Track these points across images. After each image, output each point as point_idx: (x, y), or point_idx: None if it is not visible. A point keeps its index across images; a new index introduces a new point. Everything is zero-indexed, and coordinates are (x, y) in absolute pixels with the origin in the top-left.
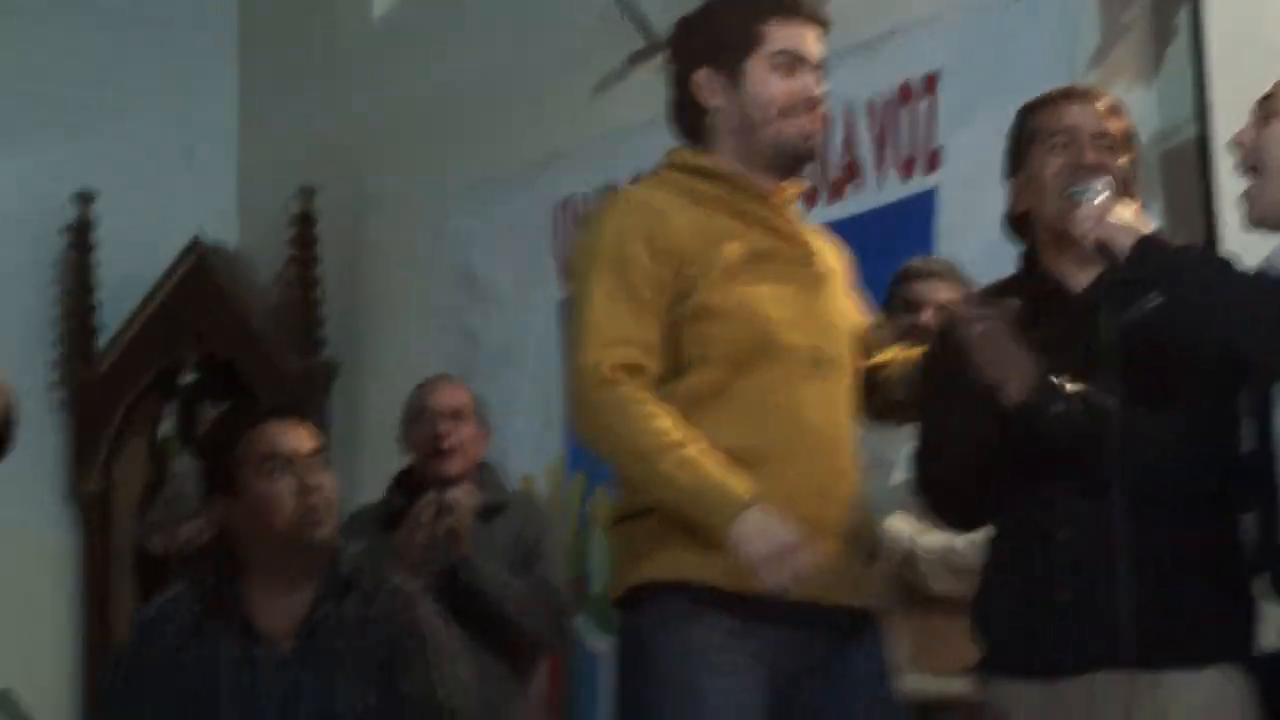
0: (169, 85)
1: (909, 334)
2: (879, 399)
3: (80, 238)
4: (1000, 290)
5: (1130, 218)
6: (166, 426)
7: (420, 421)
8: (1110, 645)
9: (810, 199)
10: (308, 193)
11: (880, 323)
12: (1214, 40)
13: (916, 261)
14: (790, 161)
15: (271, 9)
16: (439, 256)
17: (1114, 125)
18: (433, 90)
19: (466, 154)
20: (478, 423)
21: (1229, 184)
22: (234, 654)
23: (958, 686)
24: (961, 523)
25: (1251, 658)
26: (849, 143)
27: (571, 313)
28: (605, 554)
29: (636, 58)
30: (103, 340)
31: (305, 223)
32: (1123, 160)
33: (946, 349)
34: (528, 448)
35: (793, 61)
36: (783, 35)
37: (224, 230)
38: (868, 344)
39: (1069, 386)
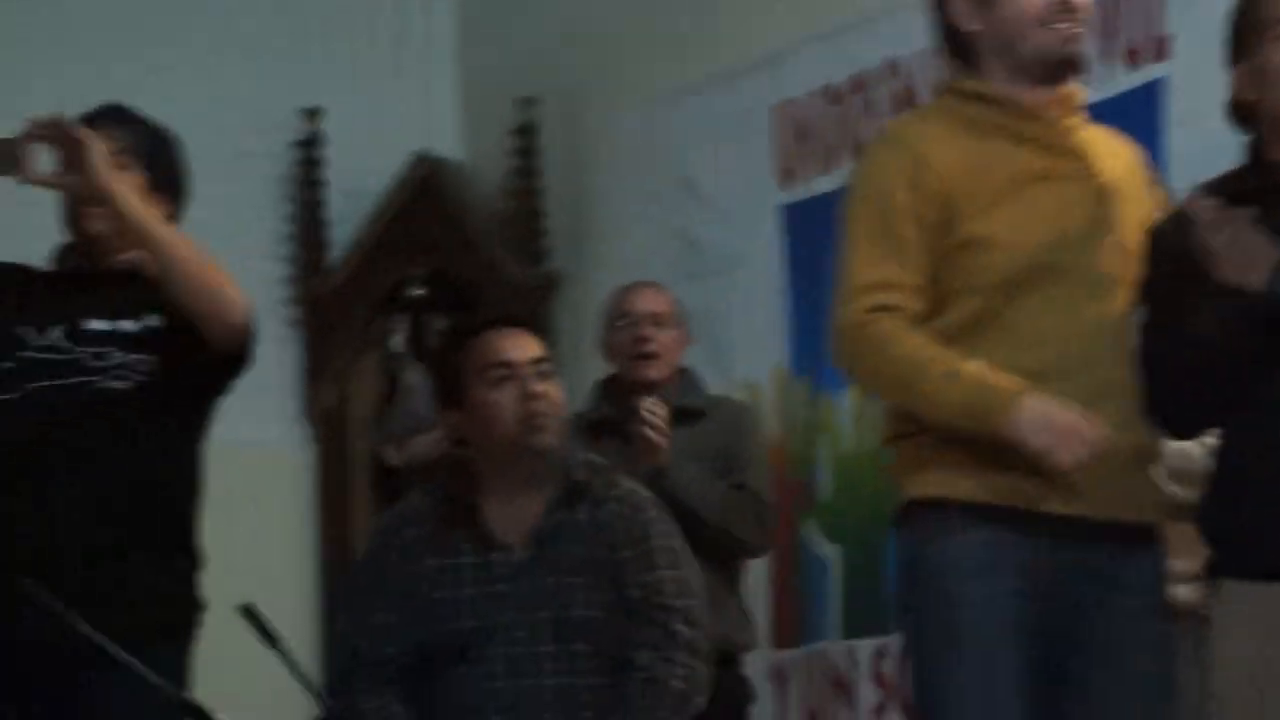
0: None
1: None
2: None
3: (308, 154)
4: (1225, 183)
5: None
6: (397, 340)
7: (622, 326)
8: None
9: None
10: (529, 103)
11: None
12: None
13: None
14: (1057, 70)
15: None
16: (659, 163)
17: None
18: None
19: (685, 56)
20: (678, 328)
21: None
22: (471, 560)
23: (1183, 594)
24: (1187, 427)
25: None
26: None
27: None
28: (830, 461)
29: None
30: (333, 257)
31: (527, 133)
32: None
33: (1175, 248)
34: (751, 353)
35: None
36: None
37: (447, 143)
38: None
39: None
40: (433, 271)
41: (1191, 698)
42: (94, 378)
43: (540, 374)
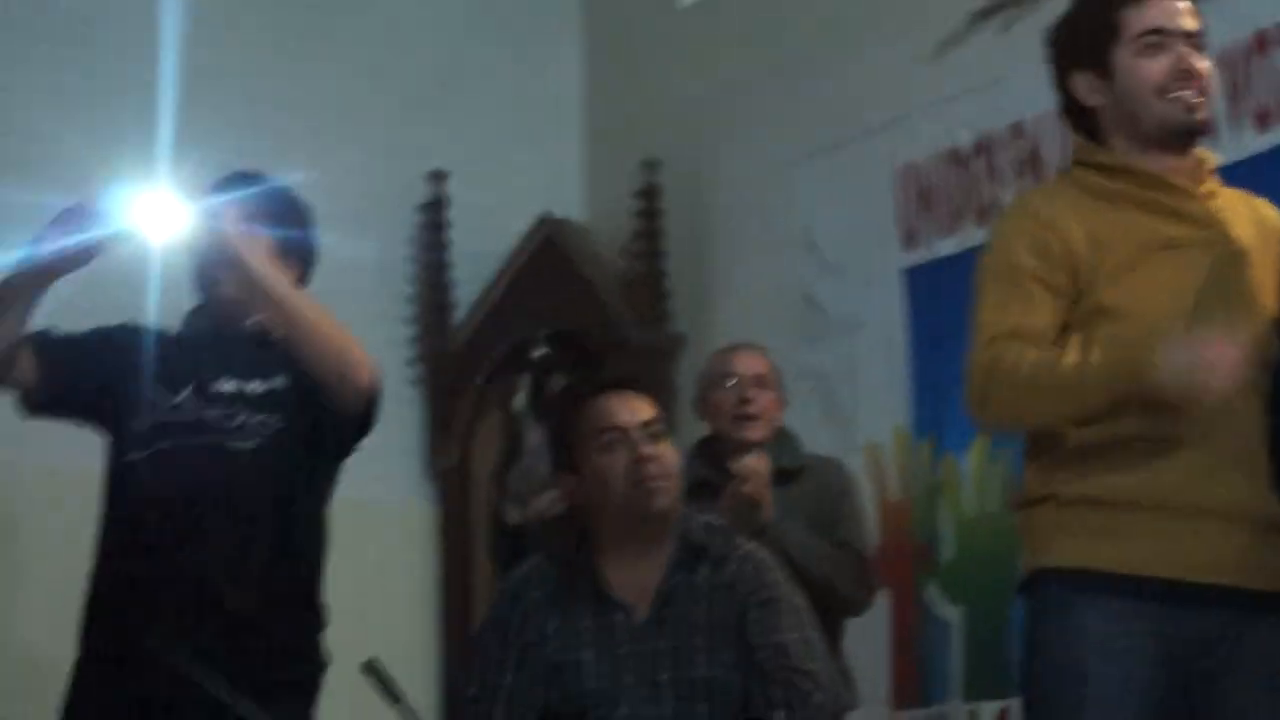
0: (515, 61)
1: None
2: None
3: (434, 216)
4: None
5: None
6: (519, 399)
7: (722, 387)
8: None
9: None
10: (652, 165)
11: None
12: None
13: None
14: (1181, 138)
15: None
16: (782, 225)
17: None
18: (772, 56)
19: (809, 118)
20: (778, 389)
21: None
22: (592, 623)
23: None
24: None
25: None
26: None
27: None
28: (953, 522)
29: (978, 17)
30: (457, 317)
31: (651, 195)
32: None
33: None
34: (872, 415)
35: (1159, 39)
36: (1140, 17)
37: (571, 205)
38: None
39: None
40: (555, 332)
41: None
42: (222, 438)
43: (652, 436)
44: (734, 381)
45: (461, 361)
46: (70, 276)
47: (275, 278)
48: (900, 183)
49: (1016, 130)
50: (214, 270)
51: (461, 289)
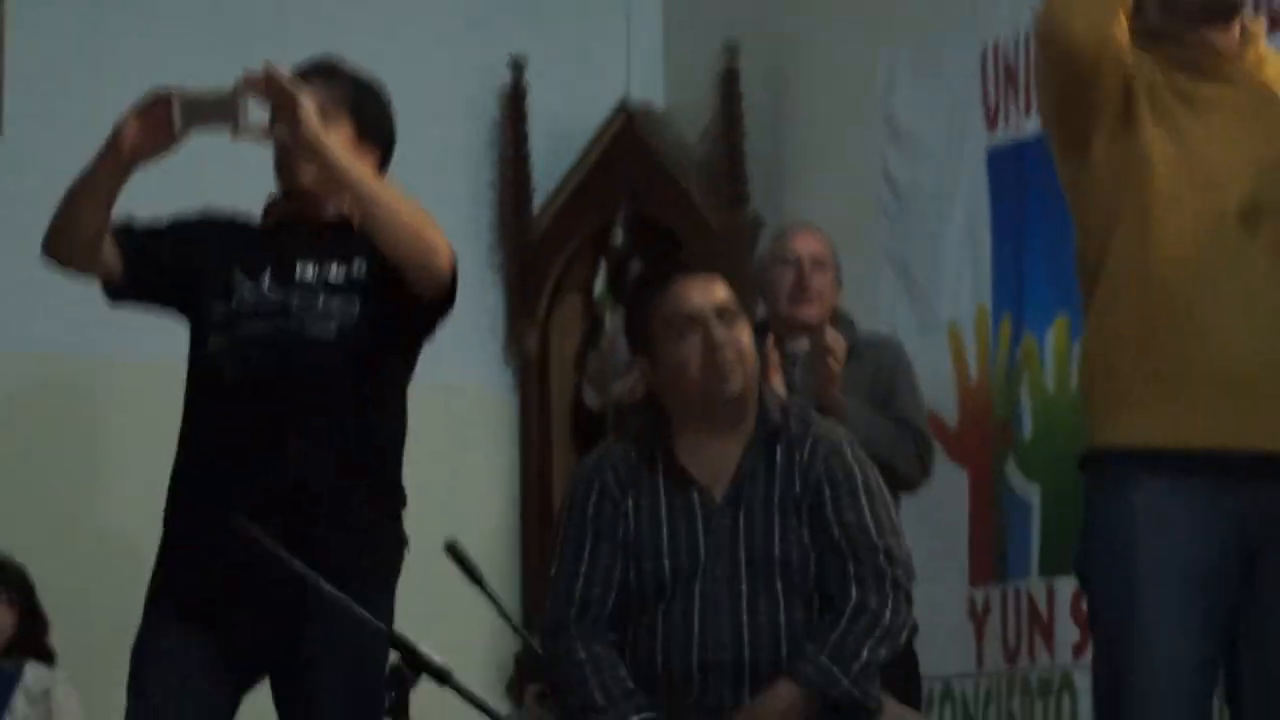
0: None
1: None
2: None
3: (514, 103)
4: None
5: None
6: (599, 285)
7: (782, 266)
8: None
9: None
10: (732, 49)
11: None
12: None
13: None
14: (1218, 11)
15: None
16: (863, 106)
17: None
18: None
19: (889, 2)
20: (835, 270)
21: None
22: (669, 502)
23: None
24: None
25: None
26: None
27: None
28: (1031, 400)
29: None
30: (537, 203)
31: (730, 79)
32: None
33: None
34: (953, 295)
35: None
36: None
37: (650, 90)
38: None
39: None
40: (635, 216)
41: None
42: (302, 325)
43: (726, 320)
44: (792, 262)
45: (541, 247)
46: (151, 165)
47: (354, 165)
48: (987, 62)
49: None
50: (294, 158)
51: (541, 175)
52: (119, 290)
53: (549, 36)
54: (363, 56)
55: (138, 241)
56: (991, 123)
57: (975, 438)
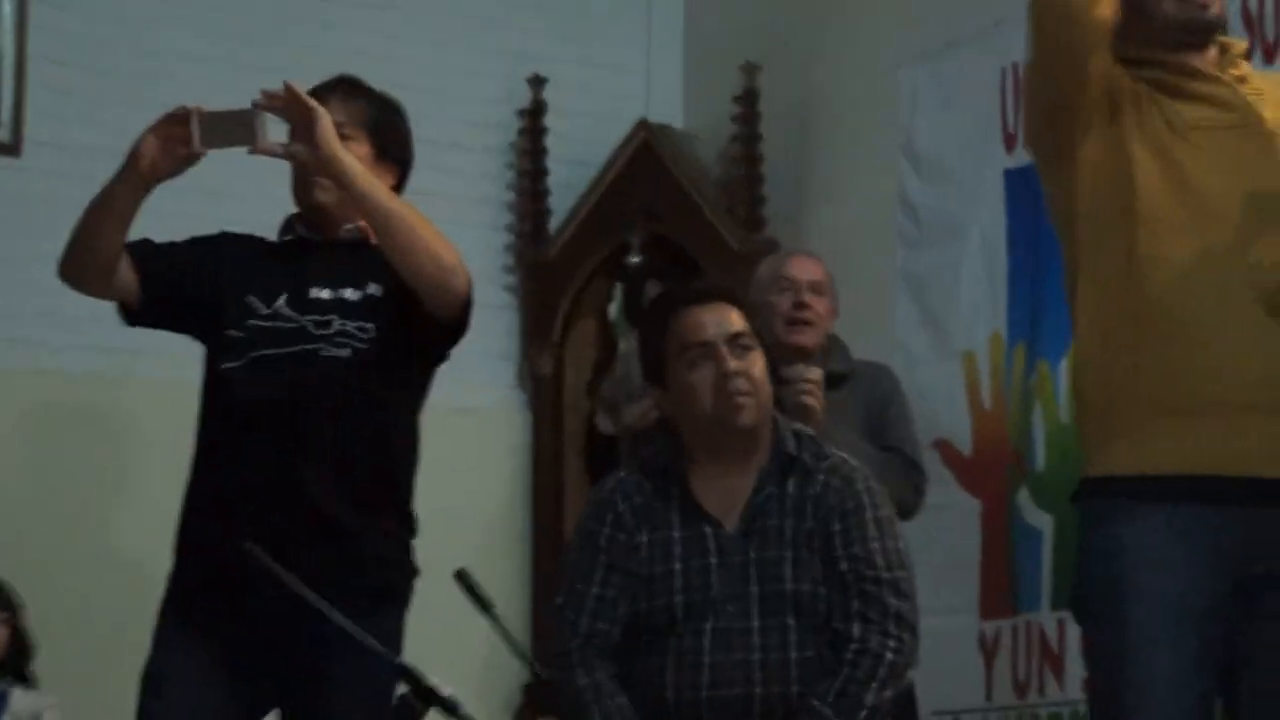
0: None
1: None
2: None
3: (534, 121)
4: None
5: None
6: (615, 307)
7: (779, 291)
8: None
9: None
10: (751, 70)
11: None
12: None
13: None
14: (1195, 35)
15: None
16: (882, 129)
17: None
18: None
19: (908, 23)
20: (832, 296)
21: None
22: (681, 534)
23: None
24: None
25: None
26: None
27: None
28: (1045, 430)
29: None
30: (553, 224)
31: (749, 100)
32: None
33: None
34: (968, 321)
35: None
36: None
37: (669, 110)
38: None
39: None
40: (652, 238)
41: None
42: (317, 345)
43: (740, 349)
44: (790, 287)
45: (558, 269)
46: (168, 184)
47: (372, 184)
48: (1007, 83)
49: None
50: (311, 177)
51: (559, 195)
52: (136, 313)
53: (568, 56)
54: (381, 76)
55: (154, 263)
56: (1009, 146)
57: (989, 467)
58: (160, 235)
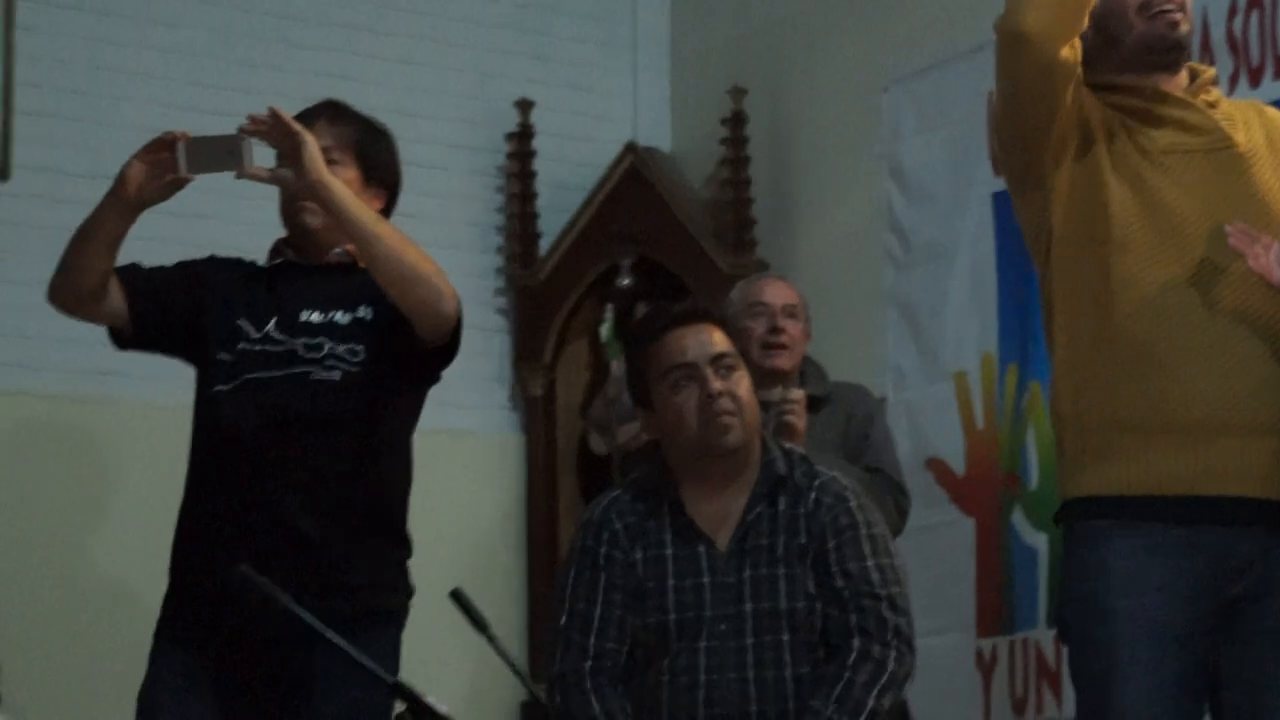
0: None
1: None
2: None
3: (522, 145)
4: None
5: None
6: (606, 328)
7: (752, 316)
8: None
9: None
10: (738, 92)
11: None
12: None
13: None
14: (1165, 54)
15: None
16: (868, 150)
17: None
18: None
19: (894, 45)
20: (805, 320)
21: None
22: (674, 553)
23: None
24: None
25: None
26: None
27: None
28: (1038, 449)
29: None
30: (543, 246)
31: (736, 122)
32: None
33: None
34: (958, 342)
35: None
36: None
37: (657, 133)
38: None
39: None
40: (641, 260)
41: None
42: (308, 368)
43: (724, 370)
44: (764, 311)
45: (548, 291)
46: (156, 209)
47: (360, 208)
48: (988, 106)
49: None
50: (299, 201)
51: (547, 218)
52: (126, 337)
53: (555, 80)
54: (369, 99)
55: (144, 287)
56: (997, 168)
57: (982, 486)
58: (148, 259)
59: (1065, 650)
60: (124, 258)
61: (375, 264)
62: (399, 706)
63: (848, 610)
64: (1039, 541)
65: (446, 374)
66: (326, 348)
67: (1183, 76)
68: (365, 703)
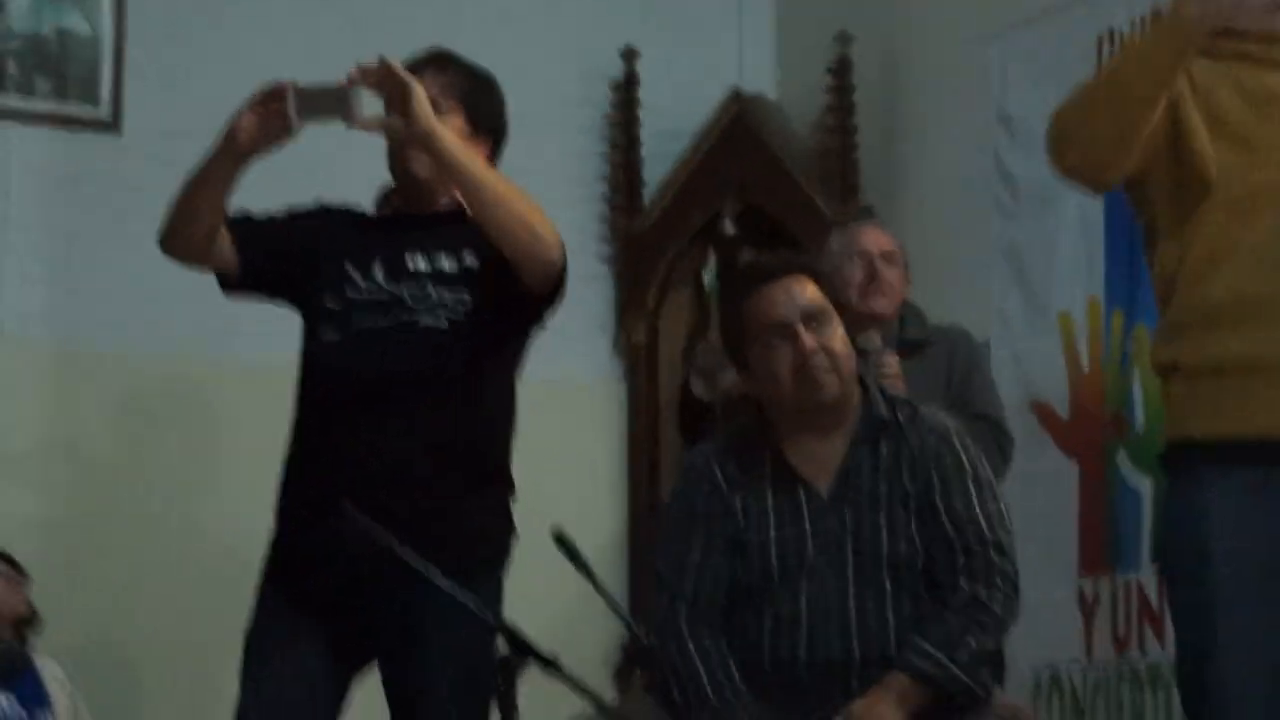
0: None
1: None
2: None
3: (627, 94)
4: None
5: None
6: (709, 276)
7: (852, 261)
8: None
9: None
10: (844, 39)
11: None
12: None
13: None
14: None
15: None
16: (976, 97)
17: None
18: None
19: None
20: (903, 266)
21: None
22: (776, 500)
23: None
24: None
25: None
26: None
27: None
28: (1144, 392)
29: None
30: (647, 194)
31: (842, 69)
32: None
33: None
34: (1065, 286)
35: None
36: None
37: (762, 80)
38: None
39: None
40: (745, 207)
41: None
42: (415, 316)
43: (817, 324)
44: (862, 256)
45: (652, 239)
46: (265, 159)
47: (467, 156)
48: (1102, 51)
49: None
50: (406, 149)
51: (651, 167)
52: (234, 283)
53: (660, 27)
54: (475, 48)
55: (252, 234)
56: None
57: (1086, 429)
58: (257, 208)
59: (1167, 590)
60: (234, 205)
61: (482, 212)
62: (503, 645)
63: (955, 553)
64: (1143, 485)
65: (551, 322)
66: (434, 295)
67: None
68: (470, 644)
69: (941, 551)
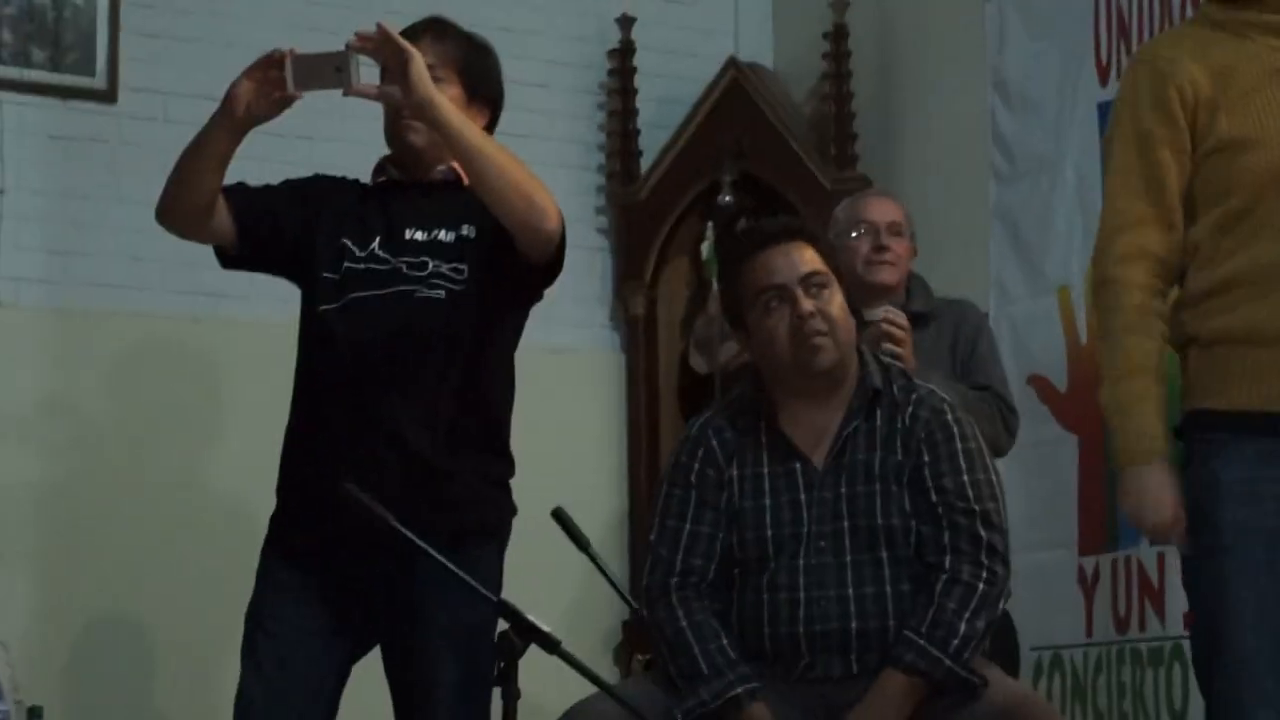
0: None
1: None
2: None
3: (623, 61)
4: None
5: None
6: (707, 247)
7: (857, 234)
8: None
9: None
10: (840, 5)
11: None
12: None
13: None
14: None
15: None
16: (973, 62)
17: None
18: None
19: None
20: (909, 237)
21: None
22: (771, 470)
23: None
24: None
25: None
26: None
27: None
28: None
29: None
30: (644, 164)
31: (838, 36)
32: None
33: None
34: (1064, 257)
35: None
36: None
37: (758, 48)
38: None
39: None
40: (743, 177)
41: None
42: (412, 287)
43: (815, 289)
44: (868, 228)
45: (649, 208)
46: (262, 128)
47: (465, 125)
48: (1100, 14)
49: None
50: (404, 118)
51: (648, 135)
52: (233, 256)
53: None
54: (471, 16)
55: (250, 206)
56: (1104, 78)
57: (1085, 403)
58: (255, 178)
59: (1179, 565)
60: (231, 177)
61: (480, 181)
62: (502, 624)
63: (941, 527)
64: None
65: (548, 292)
66: (431, 266)
67: None
68: (470, 619)
69: (929, 526)
